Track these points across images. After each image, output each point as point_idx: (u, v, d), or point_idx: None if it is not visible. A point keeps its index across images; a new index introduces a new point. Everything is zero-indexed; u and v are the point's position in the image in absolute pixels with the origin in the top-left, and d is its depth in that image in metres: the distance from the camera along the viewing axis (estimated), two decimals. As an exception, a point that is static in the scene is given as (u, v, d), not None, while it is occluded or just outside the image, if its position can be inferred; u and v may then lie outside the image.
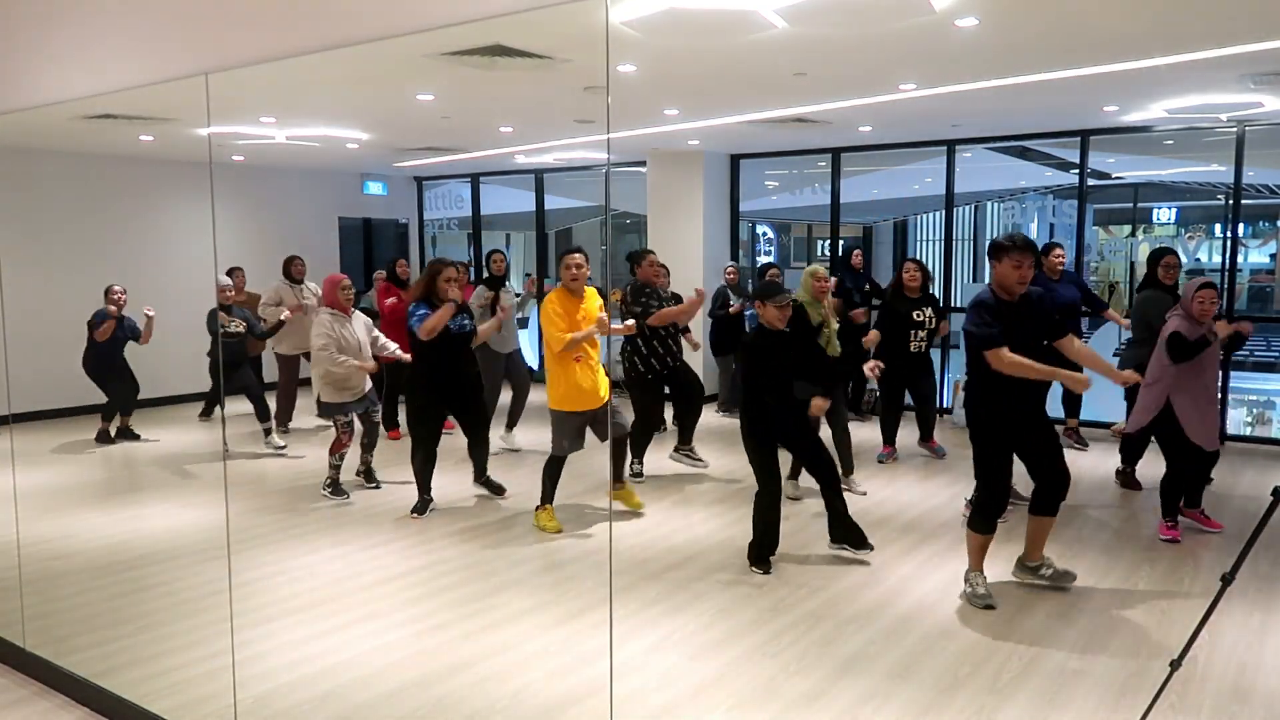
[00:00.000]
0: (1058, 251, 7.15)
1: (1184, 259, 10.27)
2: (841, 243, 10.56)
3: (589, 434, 5.74)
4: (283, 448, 7.31)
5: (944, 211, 9.74)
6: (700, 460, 7.13)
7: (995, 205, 14.28)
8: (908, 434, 7.57)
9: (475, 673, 3.81)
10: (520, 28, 3.46)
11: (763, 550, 4.99)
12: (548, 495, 5.70)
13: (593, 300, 5.74)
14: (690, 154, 10.13)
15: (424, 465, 6.04)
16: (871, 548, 5.12)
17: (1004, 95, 6.61)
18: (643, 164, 10.61)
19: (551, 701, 3.59)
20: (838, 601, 4.55)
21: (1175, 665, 3.09)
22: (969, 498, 5.33)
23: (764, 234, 15.64)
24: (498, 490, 6.37)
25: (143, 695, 3.57)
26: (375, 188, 11.69)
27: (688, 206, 10.25)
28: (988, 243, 4.76)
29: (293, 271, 7.83)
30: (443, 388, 6.00)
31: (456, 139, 9.01)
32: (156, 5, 3.45)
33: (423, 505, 6.01)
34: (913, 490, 6.59)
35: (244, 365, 7.16)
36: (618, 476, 6.21)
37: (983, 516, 4.53)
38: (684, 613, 4.42)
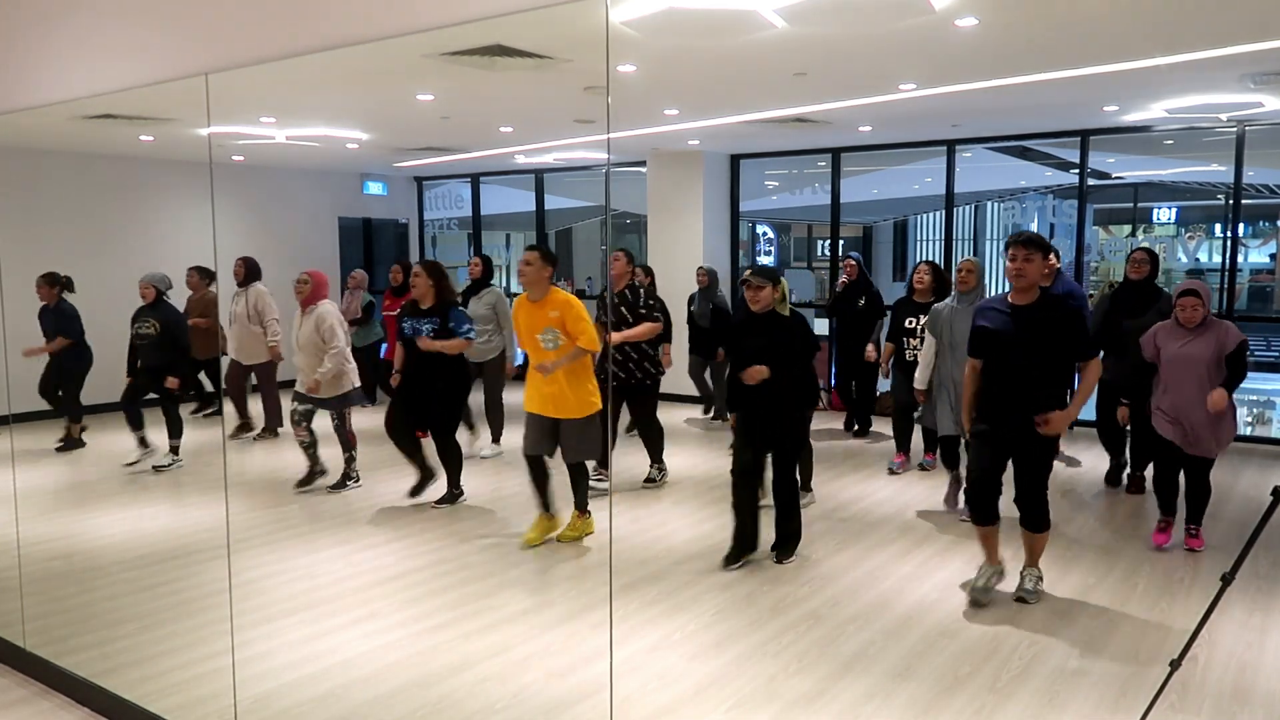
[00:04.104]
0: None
1: (1184, 259, 10.29)
2: (842, 242, 10.56)
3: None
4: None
5: (944, 211, 9.73)
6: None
7: (995, 205, 14.26)
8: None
9: (475, 673, 3.81)
10: (520, 28, 3.45)
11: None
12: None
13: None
14: (690, 154, 10.13)
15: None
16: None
17: (1004, 95, 6.60)
18: (643, 164, 10.60)
19: (551, 701, 3.59)
20: (838, 601, 4.55)
21: (1175, 665, 3.09)
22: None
23: (764, 234, 15.64)
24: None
25: (143, 695, 3.57)
26: (375, 188, 11.68)
27: (688, 206, 10.25)
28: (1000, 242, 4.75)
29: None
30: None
31: (456, 139, 9.01)
32: (156, 5, 3.45)
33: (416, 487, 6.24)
34: (913, 490, 6.59)
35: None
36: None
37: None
38: (684, 613, 4.42)
